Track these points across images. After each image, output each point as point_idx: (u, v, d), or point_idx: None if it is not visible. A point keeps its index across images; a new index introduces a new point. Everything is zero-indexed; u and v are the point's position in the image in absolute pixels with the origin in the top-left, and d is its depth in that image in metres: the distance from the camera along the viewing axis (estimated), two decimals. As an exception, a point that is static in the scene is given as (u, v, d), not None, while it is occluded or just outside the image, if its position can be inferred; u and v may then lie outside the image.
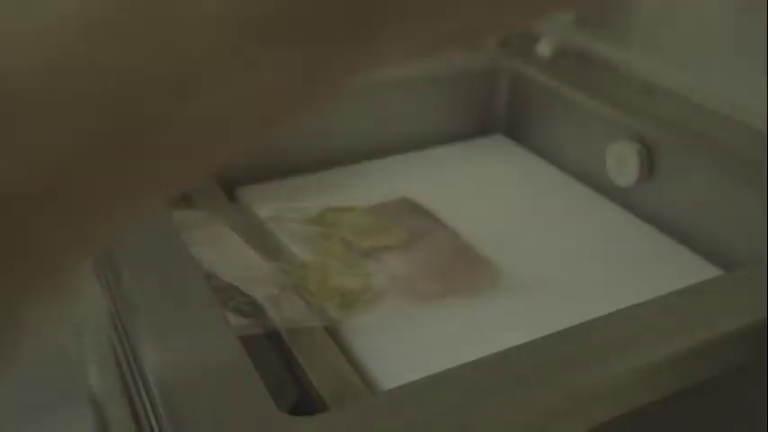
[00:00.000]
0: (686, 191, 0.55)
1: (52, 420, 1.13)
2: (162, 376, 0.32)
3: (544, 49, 0.70)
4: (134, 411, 0.38)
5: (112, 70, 0.13)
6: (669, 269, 0.52)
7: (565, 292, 0.49)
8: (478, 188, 0.63)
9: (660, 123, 0.57)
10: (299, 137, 0.63)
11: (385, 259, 0.52)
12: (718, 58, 0.59)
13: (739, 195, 0.52)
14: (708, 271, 0.52)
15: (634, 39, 0.66)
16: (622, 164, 0.59)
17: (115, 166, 0.14)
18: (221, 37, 0.13)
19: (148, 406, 0.32)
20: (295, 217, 0.55)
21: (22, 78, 0.13)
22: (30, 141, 0.13)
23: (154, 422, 0.32)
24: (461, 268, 0.51)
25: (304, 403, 0.36)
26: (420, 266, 0.51)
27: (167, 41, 0.13)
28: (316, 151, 0.64)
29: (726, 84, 0.58)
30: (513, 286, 0.49)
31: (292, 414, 0.30)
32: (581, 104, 0.64)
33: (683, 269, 0.52)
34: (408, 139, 0.68)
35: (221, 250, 0.46)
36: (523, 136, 0.70)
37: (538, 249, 0.54)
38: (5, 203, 0.13)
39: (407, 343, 0.43)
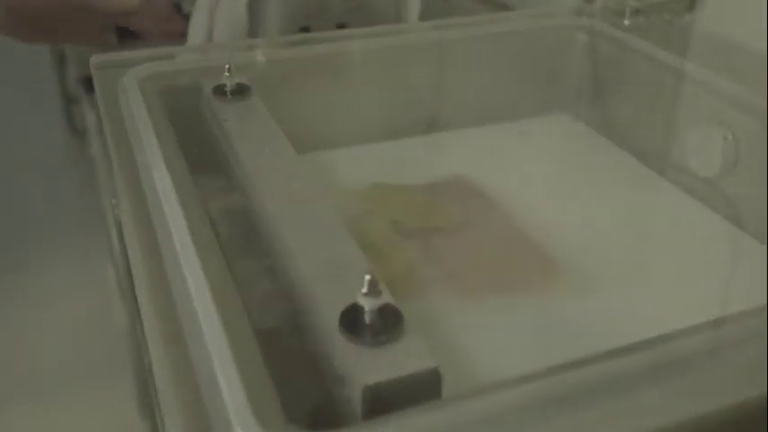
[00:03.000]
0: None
1: (97, 386, 1.14)
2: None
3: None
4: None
5: None
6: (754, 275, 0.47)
7: (629, 297, 0.44)
8: (539, 172, 0.58)
9: (751, 109, 0.51)
10: (347, 108, 0.60)
11: (432, 243, 0.48)
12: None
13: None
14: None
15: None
16: (705, 152, 0.54)
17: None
18: None
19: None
20: (339, 190, 0.53)
21: None
22: None
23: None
24: (515, 261, 0.47)
25: (323, 410, 0.32)
26: (469, 255, 0.47)
27: None
28: (364, 123, 0.60)
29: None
30: (571, 285, 0.45)
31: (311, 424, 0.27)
32: (664, 82, 0.58)
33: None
34: (466, 113, 0.64)
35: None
36: (593, 116, 0.65)
37: (602, 245, 0.49)
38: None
39: (449, 345, 0.39)
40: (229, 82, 0.48)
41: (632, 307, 0.43)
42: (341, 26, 0.73)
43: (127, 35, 0.71)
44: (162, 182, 0.38)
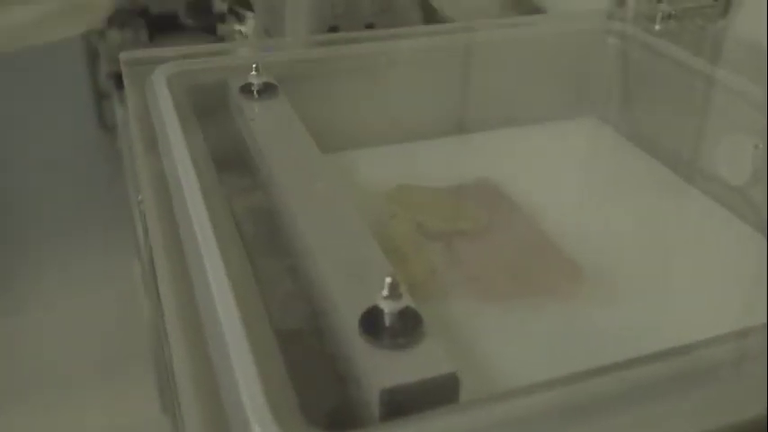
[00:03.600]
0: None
1: (118, 377, 1.15)
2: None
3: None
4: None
5: None
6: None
7: (654, 304, 0.43)
8: (565, 175, 0.58)
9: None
10: (374, 108, 0.59)
11: (456, 246, 0.48)
12: None
13: None
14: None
15: None
16: (735, 160, 0.53)
17: None
18: None
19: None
20: (363, 191, 0.53)
21: None
22: None
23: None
24: (539, 265, 0.46)
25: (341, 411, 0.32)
26: (493, 259, 0.47)
27: None
28: (391, 123, 0.60)
29: None
30: (596, 291, 0.44)
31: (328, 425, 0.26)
32: (694, 88, 0.57)
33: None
34: (494, 115, 0.63)
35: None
36: (621, 120, 0.64)
37: (627, 251, 0.48)
38: None
39: (470, 349, 0.39)
40: (256, 81, 0.48)
41: (657, 315, 0.42)
42: (369, 26, 0.73)
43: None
44: (187, 178, 0.38)
